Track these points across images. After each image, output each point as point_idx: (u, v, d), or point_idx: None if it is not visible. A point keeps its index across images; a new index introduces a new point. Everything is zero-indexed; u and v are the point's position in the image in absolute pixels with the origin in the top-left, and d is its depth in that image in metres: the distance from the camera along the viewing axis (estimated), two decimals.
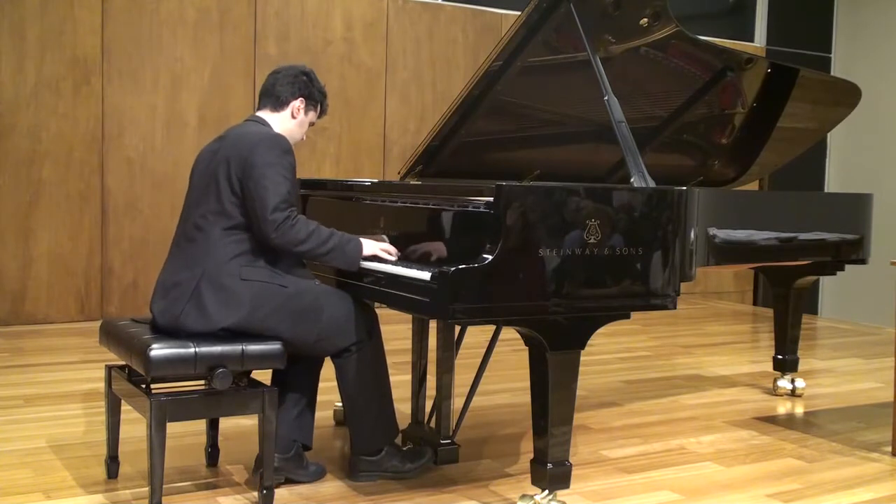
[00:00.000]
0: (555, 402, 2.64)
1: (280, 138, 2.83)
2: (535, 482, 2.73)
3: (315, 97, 3.00)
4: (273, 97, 2.96)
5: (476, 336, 3.66)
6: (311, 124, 3.06)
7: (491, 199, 2.53)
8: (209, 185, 2.79)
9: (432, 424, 3.29)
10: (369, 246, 2.87)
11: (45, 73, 5.82)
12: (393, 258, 2.88)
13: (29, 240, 5.84)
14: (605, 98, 3.03)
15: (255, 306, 2.73)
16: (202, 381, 2.76)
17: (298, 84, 2.96)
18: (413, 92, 7.05)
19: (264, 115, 2.96)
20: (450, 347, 3.27)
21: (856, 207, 4.05)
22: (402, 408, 3.41)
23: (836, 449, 3.56)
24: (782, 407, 4.26)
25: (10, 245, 5.79)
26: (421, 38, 7.06)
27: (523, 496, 2.72)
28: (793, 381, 4.42)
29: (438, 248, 2.82)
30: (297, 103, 2.96)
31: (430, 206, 2.88)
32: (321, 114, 3.07)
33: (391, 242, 2.97)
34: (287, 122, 2.96)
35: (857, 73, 8.16)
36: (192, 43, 6.21)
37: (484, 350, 3.26)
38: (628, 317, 2.73)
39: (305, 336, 2.81)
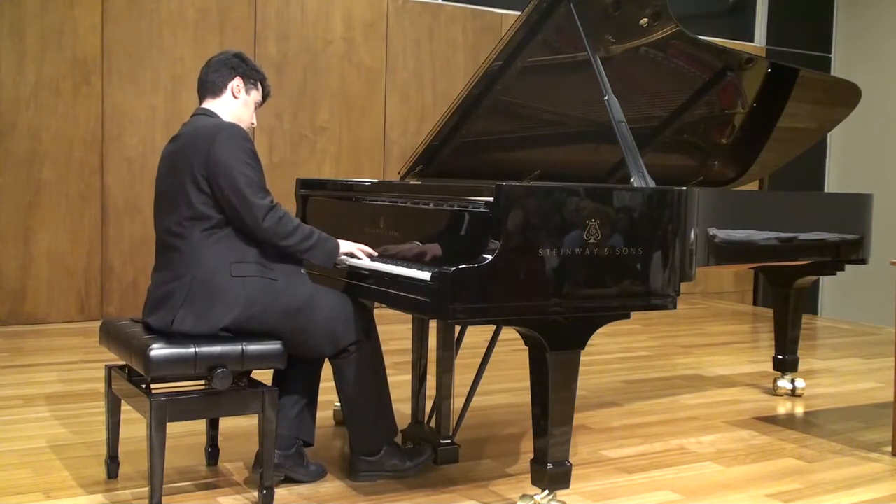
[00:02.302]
0: (555, 402, 2.64)
1: (234, 127, 2.82)
2: (535, 482, 2.73)
3: (251, 75, 2.97)
4: (209, 84, 2.94)
5: (476, 336, 3.66)
6: (258, 105, 3.02)
7: (491, 199, 2.53)
8: (176, 191, 2.77)
9: (432, 424, 3.29)
10: (346, 245, 2.93)
11: (45, 73, 5.82)
12: (366, 258, 2.93)
13: (29, 240, 5.84)
14: (605, 98, 3.03)
15: (251, 302, 2.73)
16: (202, 381, 2.76)
17: (231, 65, 2.94)
18: (413, 92, 7.05)
19: (208, 105, 2.94)
20: (450, 347, 3.27)
21: (856, 207, 4.05)
22: (402, 408, 3.41)
23: (836, 449, 3.56)
24: (782, 407, 4.26)
25: (10, 245, 5.79)
26: (421, 38, 7.06)
27: (523, 496, 2.72)
28: (793, 381, 4.42)
29: (438, 248, 2.82)
30: (235, 83, 2.93)
31: (431, 206, 2.88)
32: (265, 95, 3.04)
33: (391, 242, 2.98)
34: (231, 104, 2.93)
35: (857, 73, 8.16)
36: (192, 43, 6.21)
37: (484, 350, 3.26)
38: (628, 317, 2.73)
39: (302, 333, 2.81)
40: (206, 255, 2.73)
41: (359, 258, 2.93)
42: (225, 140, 2.75)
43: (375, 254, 2.98)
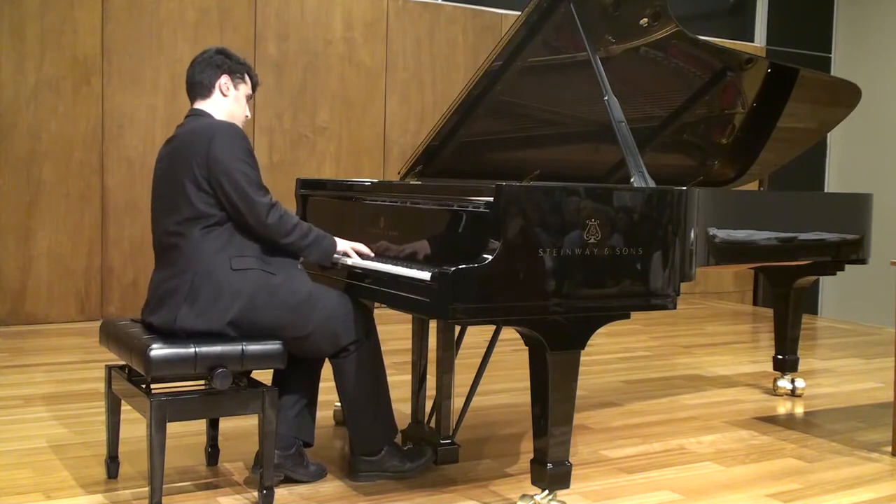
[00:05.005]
0: (555, 402, 2.64)
1: (230, 127, 2.83)
2: (535, 482, 2.73)
3: (236, 70, 2.96)
4: (198, 85, 2.94)
5: (476, 336, 3.66)
6: (249, 97, 3.02)
7: (491, 199, 2.53)
8: (176, 192, 2.78)
9: (432, 424, 3.29)
10: (342, 244, 2.96)
11: (45, 73, 5.82)
12: (357, 257, 2.95)
13: (29, 240, 5.84)
14: (605, 98, 3.03)
15: (251, 295, 2.74)
16: (202, 381, 2.76)
17: (215, 63, 2.93)
18: (413, 92, 7.05)
19: (200, 105, 2.94)
20: (450, 347, 3.27)
21: (856, 207, 4.05)
22: (402, 408, 3.41)
23: (836, 449, 3.56)
24: (782, 407, 4.26)
25: (10, 245, 5.79)
26: (421, 38, 7.06)
27: (523, 496, 2.72)
28: (793, 381, 4.42)
29: (438, 248, 2.82)
30: (222, 80, 2.93)
31: (431, 206, 2.88)
32: (254, 85, 3.04)
33: (391, 242, 2.98)
34: (222, 102, 2.94)
35: (857, 73, 8.16)
36: (192, 43, 6.21)
37: (484, 350, 3.26)
38: (628, 317, 2.73)
39: (302, 330, 2.81)
40: (205, 250, 2.75)
41: (351, 257, 2.95)
42: (222, 140, 2.76)
43: (371, 253, 2.99)
